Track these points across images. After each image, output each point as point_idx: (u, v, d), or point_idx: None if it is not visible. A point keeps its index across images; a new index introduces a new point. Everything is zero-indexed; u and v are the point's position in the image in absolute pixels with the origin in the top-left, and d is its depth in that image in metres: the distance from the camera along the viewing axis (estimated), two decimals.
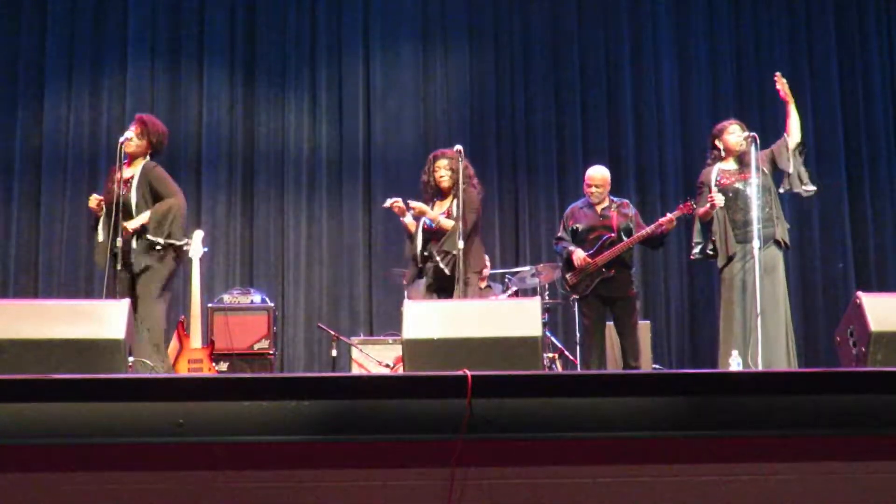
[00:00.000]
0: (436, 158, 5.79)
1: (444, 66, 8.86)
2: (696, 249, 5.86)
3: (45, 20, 8.53)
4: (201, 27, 8.67)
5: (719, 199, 5.63)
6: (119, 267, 5.20)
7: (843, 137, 8.93)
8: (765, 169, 5.73)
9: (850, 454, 2.81)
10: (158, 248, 5.37)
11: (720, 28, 9.02)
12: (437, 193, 5.78)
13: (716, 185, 5.74)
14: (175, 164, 7.68)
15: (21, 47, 8.50)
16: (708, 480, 2.80)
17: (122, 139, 5.45)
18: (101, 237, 5.38)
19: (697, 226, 5.83)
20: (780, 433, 2.81)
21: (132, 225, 5.38)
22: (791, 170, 5.70)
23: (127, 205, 5.37)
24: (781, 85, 5.72)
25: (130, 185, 5.45)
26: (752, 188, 5.60)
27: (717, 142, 5.86)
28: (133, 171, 5.54)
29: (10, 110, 8.44)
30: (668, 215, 5.97)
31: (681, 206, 5.95)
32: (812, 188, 5.80)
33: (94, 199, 5.50)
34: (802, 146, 5.75)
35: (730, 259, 5.69)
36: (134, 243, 5.37)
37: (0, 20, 8.49)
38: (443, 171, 5.72)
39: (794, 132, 5.74)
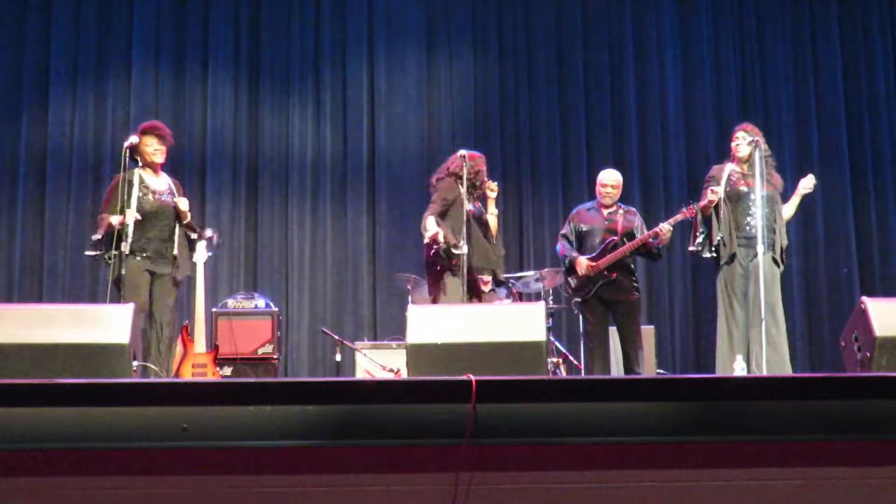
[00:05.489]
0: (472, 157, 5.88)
1: (448, 71, 8.86)
2: (700, 239, 5.87)
3: (50, 26, 8.54)
4: (205, 33, 8.68)
5: (714, 197, 5.70)
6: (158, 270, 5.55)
7: (847, 140, 8.92)
8: (775, 184, 5.77)
9: (855, 459, 2.80)
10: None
11: (724, 31, 9.03)
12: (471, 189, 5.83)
13: (725, 183, 5.78)
14: (179, 169, 7.68)
15: (26, 53, 8.51)
16: (713, 485, 2.79)
17: (126, 144, 5.46)
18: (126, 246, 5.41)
19: (700, 218, 5.86)
20: (785, 438, 2.81)
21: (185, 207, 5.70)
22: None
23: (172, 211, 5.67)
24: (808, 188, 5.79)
25: (173, 194, 5.73)
26: (757, 194, 5.60)
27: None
28: (167, 182, 5.76)
29: (15, 115, 8.45)
30: (668, 222, 5.96)
31: (683, 209, 5.95)
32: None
33: (118, 220, 5.41)
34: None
35: (731, 258, 5.70)
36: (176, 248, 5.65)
37: (5, 26, 8.52)
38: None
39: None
